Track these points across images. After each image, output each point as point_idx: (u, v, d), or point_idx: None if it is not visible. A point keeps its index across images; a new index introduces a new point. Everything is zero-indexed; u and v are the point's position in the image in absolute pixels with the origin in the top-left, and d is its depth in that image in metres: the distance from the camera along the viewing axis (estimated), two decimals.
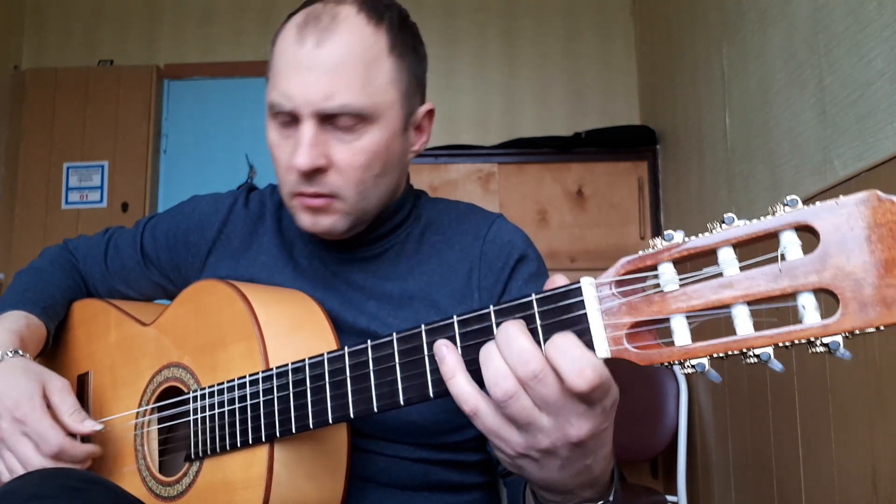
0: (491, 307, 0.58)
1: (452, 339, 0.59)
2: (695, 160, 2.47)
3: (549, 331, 0.54)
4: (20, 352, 0.87)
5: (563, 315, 0.54)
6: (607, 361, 0.53)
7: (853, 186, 1.36)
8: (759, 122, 1.85)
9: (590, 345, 0.52)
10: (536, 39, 3.44)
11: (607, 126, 3.12)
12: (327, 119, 0.79)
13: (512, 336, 0.53)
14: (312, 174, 0.80)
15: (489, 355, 0.54)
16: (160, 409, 0.86)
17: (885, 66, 1.26)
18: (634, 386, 2.51)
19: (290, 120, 0.81)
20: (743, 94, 1.98)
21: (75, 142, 3.45)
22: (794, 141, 1.63)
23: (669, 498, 2.35)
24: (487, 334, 0.57)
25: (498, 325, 0.56)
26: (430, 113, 0.91)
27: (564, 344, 0.51)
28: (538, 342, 0.54)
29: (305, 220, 0.84)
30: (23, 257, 3.30)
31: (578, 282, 0.54)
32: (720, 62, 2.15)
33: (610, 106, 3.34)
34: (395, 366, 0.63)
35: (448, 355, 0.57)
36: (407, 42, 0.84)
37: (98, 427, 0.84)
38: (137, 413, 0.89)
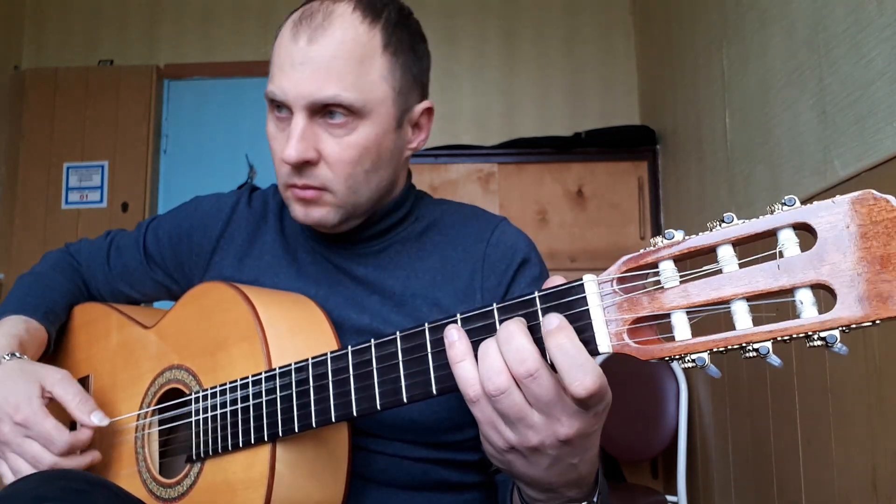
0: (494, 305, 0.58)
1: None
2: (695, 160, 2.47)
3: None
4: (17, 354, 0.87)
5: (566, 311, 0.55)
6: (606, 362, 0.54)
7: (853, 186, 1.36)
8: (759, 122, 1.85)
9: (592, 340, 0.54)
10: (536, 39, 3.44)
11: (607, 126, 3.12)
12: (319, 113, 0.81)
13: (512, 333, 0.54)
14: (302, 167, 0.81)
15: (487, 351, 0.55)
16: (161, 410, 0.86)
17: (885, 66, 1.26)
18: (634, 386, 2.51)
19: (287, 115, 0.82)
20: (743, 94, 1.98)
21: (75, 142, 3.45)
22: (794, 141, 1.64)
23: (669, 498, 2.35)
24: (490, 331, 0.57)
25: (501, 322, 0.57)
26: (429, 111, 0.90)
27: (570, 347, 0.52)
28: (541, 338, 0.55)
29: (298, 211, 0.86)
30: (23, 257, 3.30)
31: (581, 279, 0.55)
32: (720, 62, 2.15)
33: (610, 106, 3.34)
34: (398, 363, 0.63)
35: (459, 340, 0.58)
36: (403, 40, 0.85)
37: (106, 421, 0.84)
38: (138, 415, 0.89)
